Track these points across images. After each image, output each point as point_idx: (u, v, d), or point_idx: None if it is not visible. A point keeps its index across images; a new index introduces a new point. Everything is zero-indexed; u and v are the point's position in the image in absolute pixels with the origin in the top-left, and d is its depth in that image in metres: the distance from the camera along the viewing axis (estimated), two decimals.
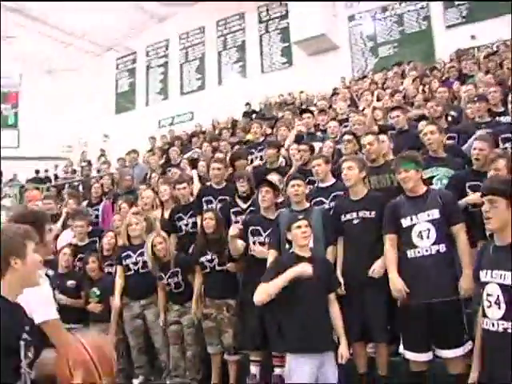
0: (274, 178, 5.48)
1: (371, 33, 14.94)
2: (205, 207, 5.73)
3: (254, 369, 4.71)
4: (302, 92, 13.60)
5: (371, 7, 14.92)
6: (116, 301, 5.59)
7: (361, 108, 8.74)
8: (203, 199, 5.96)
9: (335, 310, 3.84)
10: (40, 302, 2.62)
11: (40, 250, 3.03)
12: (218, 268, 5.06)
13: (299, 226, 3.88)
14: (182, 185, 6.05)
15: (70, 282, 6.02)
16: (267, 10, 16.26)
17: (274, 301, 3.68)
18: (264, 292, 3.66)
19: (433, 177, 4.65)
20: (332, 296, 3.88)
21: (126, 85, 18.95)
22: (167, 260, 5.37)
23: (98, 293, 5.84)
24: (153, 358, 5.59)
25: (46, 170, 16.02)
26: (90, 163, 15.41)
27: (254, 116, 13.61)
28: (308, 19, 13.88)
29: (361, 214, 4.26)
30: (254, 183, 5.49)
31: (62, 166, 15.98)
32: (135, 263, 5.77)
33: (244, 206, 5.53)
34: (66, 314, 5.73)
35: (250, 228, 4.90)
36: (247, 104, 14.63)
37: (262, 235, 4.83)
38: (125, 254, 5.79)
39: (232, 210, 5.54)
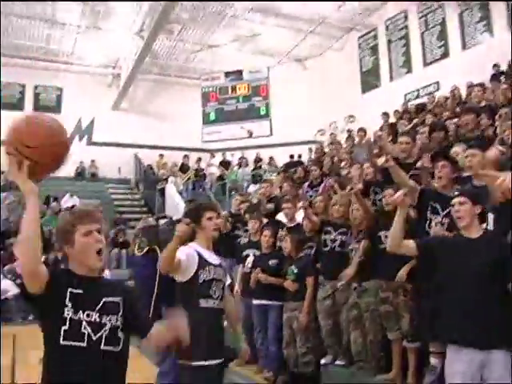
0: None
1: None
2: None
3: (433, 360, 4.30)
4: None
5: None
6: None
7: None
8: None
9: None
10: None
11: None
12: None
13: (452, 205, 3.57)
14: None
15: (272, 262, 6.35)
16: None
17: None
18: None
19: None
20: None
21: (370, 62, 18.81)
22: None
23: (295, 271, 6.01)
24: (339, 339, 5.56)
25: (300, 155, 16.69)
26: (339, 144, 15.74)
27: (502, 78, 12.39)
28: None
29: None
30: None
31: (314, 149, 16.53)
32: (333, 240, 5.81)
33: None
34: (266, 291, 6.19)
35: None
36: (495, 66, 13.36)
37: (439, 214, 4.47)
38: (326, 228, 5.88)
39: None
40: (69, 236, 2.31)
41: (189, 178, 18.08)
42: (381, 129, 11.47)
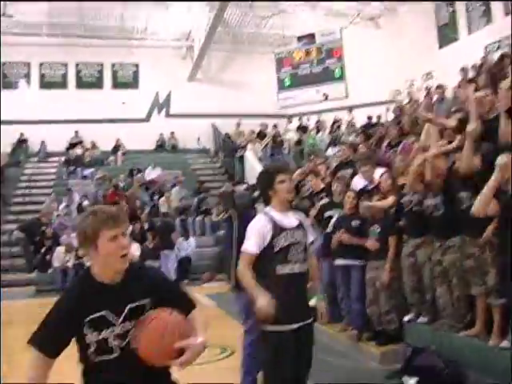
0: None
1: None
2: None
3: None
4: None
5: None
6: None
7: None
8: None
9: None
10: None
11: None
12: None
13: None
14: None
15: (355, 222, 6.44)
16: None
17: None
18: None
19: None
20: None
21: (447, 16, 18.09)
22: None
23: (377, 231, 6.07)
24: (422, 296, 5.58)
25: (379, 116, 16.42)
26: (417, 102, 15.36)
27: None
28: None
29: None
30: None
31: (391, 109, 16.22)
32: (410, 201, 5.82)
33: None
34: (348, 251, 6.30)
35: None
36: None
37: None
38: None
39: None
40: (92, 240, 2.23)
41: (267, 145, 18.25)
42: (459, 86, 11.10)
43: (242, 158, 17.75)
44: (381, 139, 9.92)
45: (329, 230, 6.83)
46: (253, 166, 16.08)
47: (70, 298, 2.32)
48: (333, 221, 6.83)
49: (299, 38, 19.26)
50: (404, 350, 5.22)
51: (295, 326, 3.39)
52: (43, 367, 2.20)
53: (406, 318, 5.67)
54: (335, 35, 18.73)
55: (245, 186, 5.93)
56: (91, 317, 2.22)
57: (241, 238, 3.64)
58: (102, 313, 2.24)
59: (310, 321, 3.51)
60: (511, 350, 4.28)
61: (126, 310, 2.28)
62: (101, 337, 2.23)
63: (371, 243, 6.04)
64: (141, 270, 2.48)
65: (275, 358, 3.37)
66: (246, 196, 5.21)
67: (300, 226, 3.55)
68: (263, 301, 3.21)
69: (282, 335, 3.35)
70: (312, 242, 3.70)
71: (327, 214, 7.02)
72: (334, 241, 6.51)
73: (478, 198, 3.41)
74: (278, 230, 3.41)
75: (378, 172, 6.68)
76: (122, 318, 2.27)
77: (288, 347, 3.36)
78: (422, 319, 5.54)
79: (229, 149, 19.05)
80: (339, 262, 6.50)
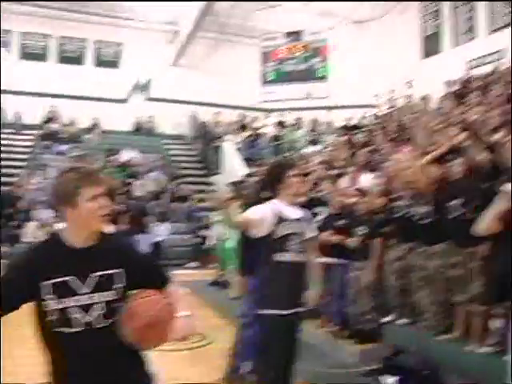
0: None
1: None
2: None
3: (498, 322, 4.51)
4: None
5: None
6: None
7: None
8: None
9: None
10: None
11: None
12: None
13: None
14: None
15: (341, 222, 6.56)
16: None
17: None
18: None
19: None
20: None
21: (432, 28, 18.42)
22: None
23: (364, 231, 6.21)
24: (405, 299, 5.74)
25: (349, 119, 16.59)
26: (398, 109, 15.58)
27: None
28: None
29: None
30: None
31: (370, 113, 16.43)
32: (401, 206, 5.94)
33: None
34: (333, 249, 6.43)
35: None
36: None
37: None
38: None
39: None
40: (71, 198, 2.06)
41: (247, 137, 18.29)
42: (445, 97, 11.36)
43: (218, 147, 17.72)
44: (365, 144, 10.07)
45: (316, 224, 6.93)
46: (229, 157, 16.06)
47: (30, 256, 2.18)
48: (320, 217, 6.94)
49: (287, 34, 19.35)
50: (383, 350, 5.38)
51: (289, 311, 3.60)
52: None
53: (385, 319, 5.83)
54: (323, 35, 18.88)
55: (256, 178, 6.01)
56: (52, 281, 2.03)
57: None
58: (66, 278, 2.05)
59: (302, 309, 3.73)
60: (496, 356, 4.44)
61: (93, 278, 2.08)
62: (61, 306, 2.03)
63: (351, 240, 6.21)
64: (114, 238, 2.31)
65: (269, 342, 3.58)
66: (255, 188, 5.32)
67: (301, 219, 3.74)
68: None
69: (277, 319, 3.56)
70: (312, 238, 3.84)
71: (316, 210, 7.11)
72: (320, 239, 6.62)
73: (483, 217, 3.54)
74: (280, 219, 3.61)
75: (369, 177, 6.82)
76: (88, 288, 2.08)
77: (281, 332, 3.58)
78: (402, 321, 5.70)
79: (206, 138, 19.01)
80: (322, 259, 6.61)
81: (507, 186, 3.58)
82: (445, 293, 5.17)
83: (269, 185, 3.87)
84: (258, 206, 3.73)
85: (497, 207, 3.47)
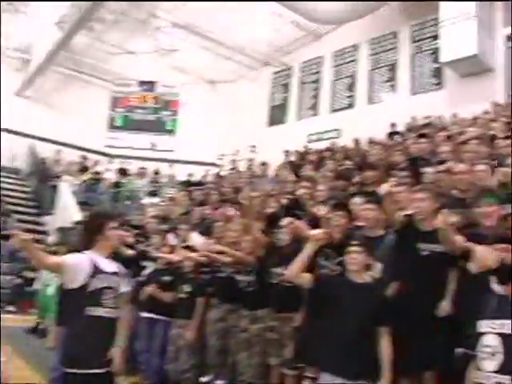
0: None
1: None
2: None
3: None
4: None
5: None
6: None
7: None
8: None
9: (383, 343, 3.80)
10: None
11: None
12: None
13: (349, 252, 4.03)
14: None
15: (167, 277, 6.56)
16: (421, 28, 15.91)
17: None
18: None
19: None
20: (382, 329, 3.85)
21: (280, 99, 19.59)
22: None
23: (187, 290, 6.23)
24: (224, 360, 5.81)
25: (190, 175, 16.82)
26: (238, 171, 16.11)
27: (396, 137, 13.33)
28: (460, 39, 13.36)
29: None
30: None
31: (212, 172, 16.78)
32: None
33: None
34: (156, 305, 6.39)
35: None
36: (393, 125, 14.37)
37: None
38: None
39: None
40: None
41: (85, 180, 17.73)
42: (282, 166, 12.00)
43: (55, 187, 17.01)
44: (202, 202, 10.22)
45: (141, 278, 6.86)
46: (65, 199, 15.50)
47: None
48: (147, 271, 6.89)
49: (140, 83, 19.43)
50: None
51: (98, 370, 3.42)
52: None
53: (204, 379, 5.83)
54: (175, 89, 19.22)
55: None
56: None
57: None
58: None
59: (110, 369, 3.54)
60: None
61: None
62: None
63: (166, 295, 6.28)
64: None
65: None
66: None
67: (117, 273, 3.65)
68: None
69: (85, 378, 3.35)
70: (125, 292, 3.77)
71: (143, 263, 7.05)
72: (144, 292, 6.56)
73: (292, 263, 3.95)
74: (95, 271, 3.47)
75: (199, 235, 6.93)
76: None
77: None
78: (219, 381, 5.73)
79: (43, 175, 18.15)
80: (146, 314, 6.54)
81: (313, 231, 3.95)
82: (263, 355, 5.30)
83: (87, 234, 3.75)
84: (76, 253, 3.56)
85: (304, 254, 3.84)
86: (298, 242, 5.00)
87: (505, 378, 2.56)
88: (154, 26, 17.39)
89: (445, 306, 4.07)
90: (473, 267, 3.64)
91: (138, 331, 6.58)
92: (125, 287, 3.73)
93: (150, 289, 6.46)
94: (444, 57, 14.00)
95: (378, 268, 4.47)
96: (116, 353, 3.61)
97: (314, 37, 18.44)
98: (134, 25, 17.38)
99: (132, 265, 7.14)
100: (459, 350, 3.57)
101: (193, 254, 6.34)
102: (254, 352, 5.36)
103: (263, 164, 12.38)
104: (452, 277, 4.12)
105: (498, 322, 2.64)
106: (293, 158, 13.41)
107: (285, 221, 5.21)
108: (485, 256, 3.21)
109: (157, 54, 18.98)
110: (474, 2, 13.46)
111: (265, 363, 5.28)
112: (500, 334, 2.62)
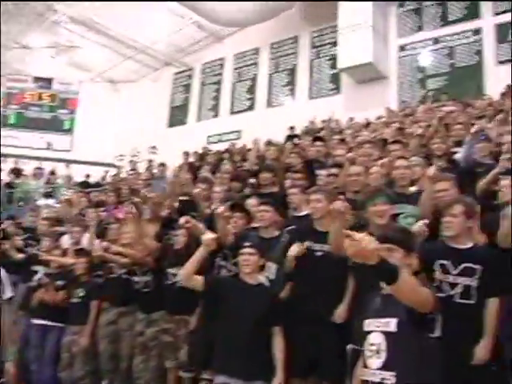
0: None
1: (421, 64, 14.69)
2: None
3: None
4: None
5: (424, 37, 14.71)
6: None
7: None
8: None
9: (277, 343, 3.89)
10: None
11: None
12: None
13: (241, 253, 4.08)
14: None
15: (59, 282, 6.32)
16: (321, 35, 16.40)
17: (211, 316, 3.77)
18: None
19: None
20: (275, 329, 3.94)
21: (181, 100, 19.49)
22: None
23: (81, 294, 6.05)
24: (118, 364, 5.69)
25: (88, 176, 16.36)
26: (138, 173, 15.80)
27: (294, 140, 13.55)
28: (356, 46, 13.93)
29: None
30: None
31: (111, 173, 16.39)
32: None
33: None
34: (48, 311, 6.15)
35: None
36: (292, 128, 14.63)
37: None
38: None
39: None
40: None
41: None
42: (180, 167, 11.91)
43: None
44: (98, 203, 9.95)
45: (33, 283, 6.58)
46: None
47: None
48: (38, 276, 6.62)
49: (36, 79, 18.65)
50: None
51: None
52: None
53: None
54: (73, 87, 18.61)
55: None
56: None
57: None
58: None
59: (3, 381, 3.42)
60: None
61: None
62: None
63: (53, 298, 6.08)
64: None
65: None
66: None
67: None
68: None
69: None
70: (10, 298, 3.64)
71: (33, 268, 6.76)
72: (35, 298, 6.30)
73: (184, 265, 4.03)
74: None
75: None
76: None
77: None
78: None
79: None
80: (37, 321, 6.28)
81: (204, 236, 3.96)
82: (159, 358, 5.23)
83: None
84: None
85: (196, 257, 3.94)
86: (194, 242, 5.00)
87: (388, 374, 2.65)
88: (52, 20, 16.75)
89: (340, 313, 4.05)
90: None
91: (29, 339, 6.33)
92: (9, 293, 3.57)
93: (41, 294, 6.19)
94: (341, 63, 14.60)
95: (272, 269, 4.54)
96: (9, 367, 3.49)
97: (215, 38, 18.52)
98: (31, 18, 16.65)
99: (22, 269, 6.90)
100: (349, 347, 3.65)
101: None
102: (150, 355, 5.29)
103: (162, 165, 12.23)
104: (350, 280, 4.10)
105: (382, 320, 2.73)
106: (192, 159, 13.35)
107: (181, 220, 5.16)
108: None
109: (55, 50, 18.32)
110: (370, 13, 14.08)
111: (161, 366, 5.24)
112: (384, 332, 2.71)
